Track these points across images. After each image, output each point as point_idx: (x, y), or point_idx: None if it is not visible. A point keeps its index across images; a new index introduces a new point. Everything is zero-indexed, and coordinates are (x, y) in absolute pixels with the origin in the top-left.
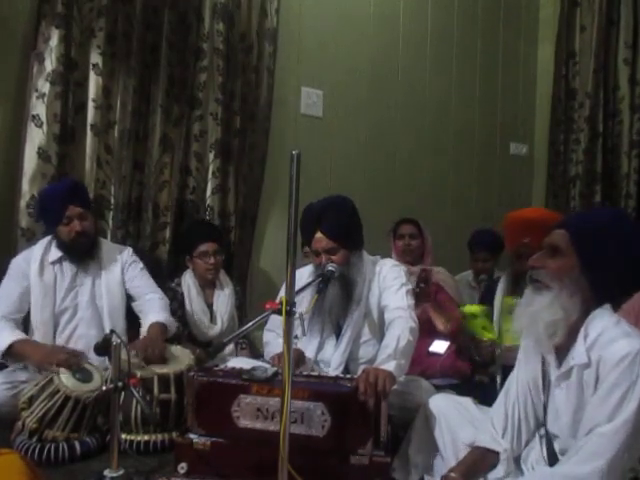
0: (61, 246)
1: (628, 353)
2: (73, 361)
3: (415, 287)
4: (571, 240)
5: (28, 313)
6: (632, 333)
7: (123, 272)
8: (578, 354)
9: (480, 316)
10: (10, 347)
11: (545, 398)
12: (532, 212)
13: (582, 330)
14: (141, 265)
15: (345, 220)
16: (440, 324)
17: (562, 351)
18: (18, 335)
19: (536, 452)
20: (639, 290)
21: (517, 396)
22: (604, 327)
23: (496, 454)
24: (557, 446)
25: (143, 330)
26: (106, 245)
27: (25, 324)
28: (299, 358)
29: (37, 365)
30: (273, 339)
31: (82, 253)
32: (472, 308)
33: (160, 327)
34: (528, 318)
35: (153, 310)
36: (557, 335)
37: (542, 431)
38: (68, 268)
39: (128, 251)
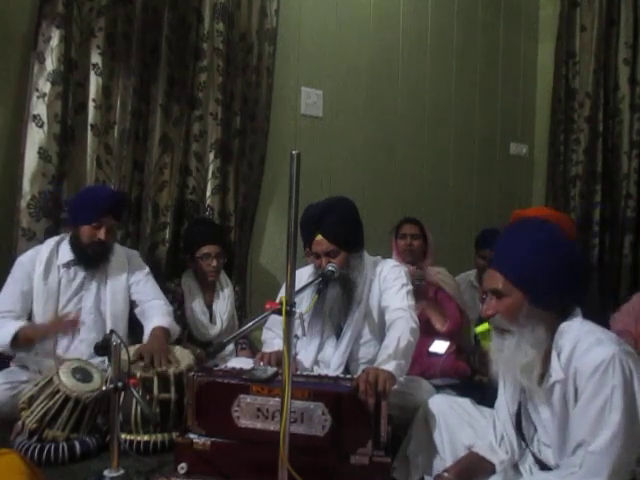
0: (74, 246)
1: (602, 361)
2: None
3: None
4: (507, 280)
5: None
6: (605, 339)
7: (128, 277)
8: (555, 371)
9: (491, 330)
10: (16, 337)
11: (524, 413)
12: (534, 211)
13: (553, 347)
14: (147, 270)
15: (345, 223)
16: (437, 322)
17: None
18: (20, 323)
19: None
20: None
21: (506, 415)
22: (576, 338)
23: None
24: (550, 454)
25: (146, 334)
26: (116, 250)
27: None
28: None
29: (45, 336)
30: (270, 339)
31: (92, 260)
32: (483, 327)
33: (163, 331)
34: (503, 365)
35: (157, 315)
36: (535, 371)
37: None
38: (76, 273)
39: (135, 255)
